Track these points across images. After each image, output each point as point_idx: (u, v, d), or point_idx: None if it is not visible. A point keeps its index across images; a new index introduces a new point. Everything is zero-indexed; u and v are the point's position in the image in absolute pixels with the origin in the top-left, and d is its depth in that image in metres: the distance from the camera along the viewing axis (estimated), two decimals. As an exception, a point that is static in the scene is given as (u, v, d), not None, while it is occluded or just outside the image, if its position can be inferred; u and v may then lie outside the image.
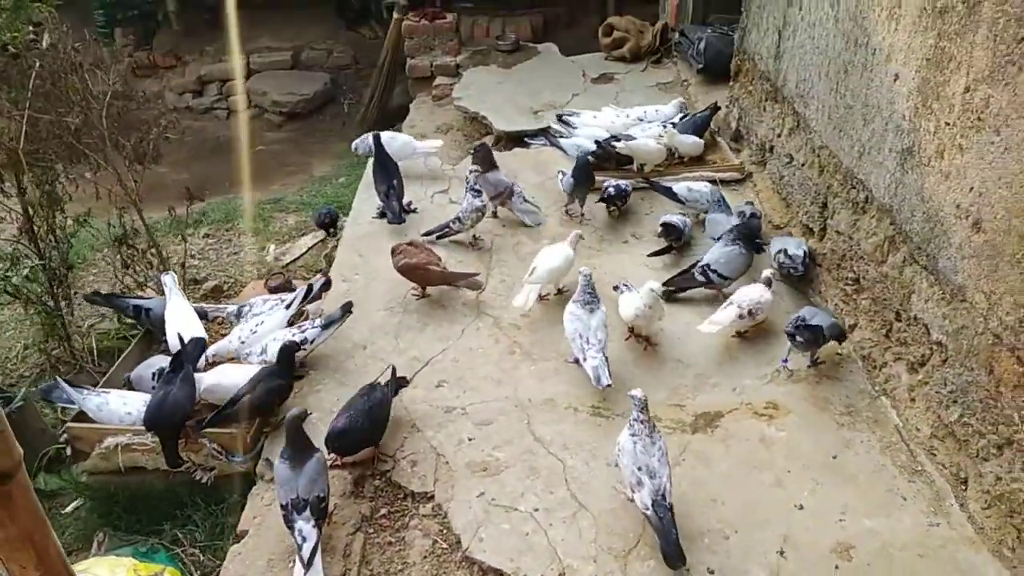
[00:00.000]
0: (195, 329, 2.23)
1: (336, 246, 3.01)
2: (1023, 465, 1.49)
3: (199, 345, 2.05)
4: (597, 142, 3.05)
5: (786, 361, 2.09)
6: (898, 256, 1.92)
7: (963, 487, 1.68)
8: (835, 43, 2.25)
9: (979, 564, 1.56)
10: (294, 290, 2.43)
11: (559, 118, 3.39)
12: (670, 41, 4.53)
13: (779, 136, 2.80)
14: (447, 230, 2.71)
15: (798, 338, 2.00)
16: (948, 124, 1.66)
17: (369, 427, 1.81)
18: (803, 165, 2.55)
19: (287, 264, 3.34)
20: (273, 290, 2.65)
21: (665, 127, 3.16)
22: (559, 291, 2.43)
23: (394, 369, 2.01)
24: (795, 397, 2.00)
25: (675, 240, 2.56)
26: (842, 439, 1.87)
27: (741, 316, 2.12)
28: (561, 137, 3.19)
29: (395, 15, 4.90)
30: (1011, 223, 1.46)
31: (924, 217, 1.78)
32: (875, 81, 2.00)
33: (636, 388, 1.67)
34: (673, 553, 1.53)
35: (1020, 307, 1.45)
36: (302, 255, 3.42)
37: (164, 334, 2.37)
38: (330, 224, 3.33)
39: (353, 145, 3.31)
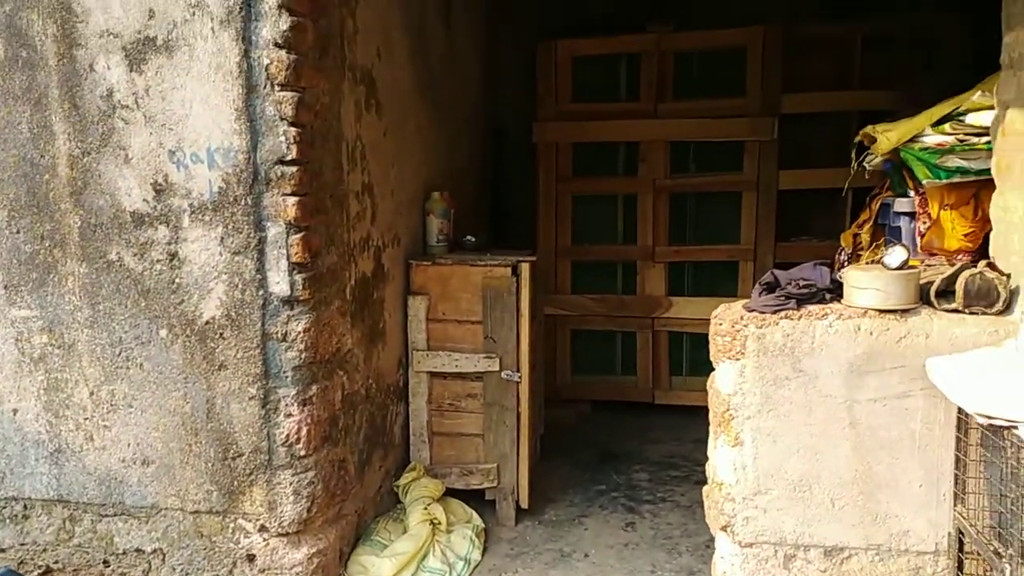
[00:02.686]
0: None
1: None
2: None
3: None
4: None
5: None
6: (85, 523, 2.46)
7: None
8: (-82, 415, 2.53)
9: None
10: None
11: None
12: None
13: None
14: None
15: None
16: (87, 419, 2.39)
17: None
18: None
19: None
20: None
21: None
22: None
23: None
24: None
25: None
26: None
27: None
28: None
29: None
30: (170, 447, 2.35)
31: (97, 483, 2.42)
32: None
33: None
34: None
35: (203, 486, 2.35)
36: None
37: None
38: None
39: None
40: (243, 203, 2.20)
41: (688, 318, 4.18)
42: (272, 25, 2.10)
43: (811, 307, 1.99)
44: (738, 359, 1.97)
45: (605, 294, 4.31)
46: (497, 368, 3.04)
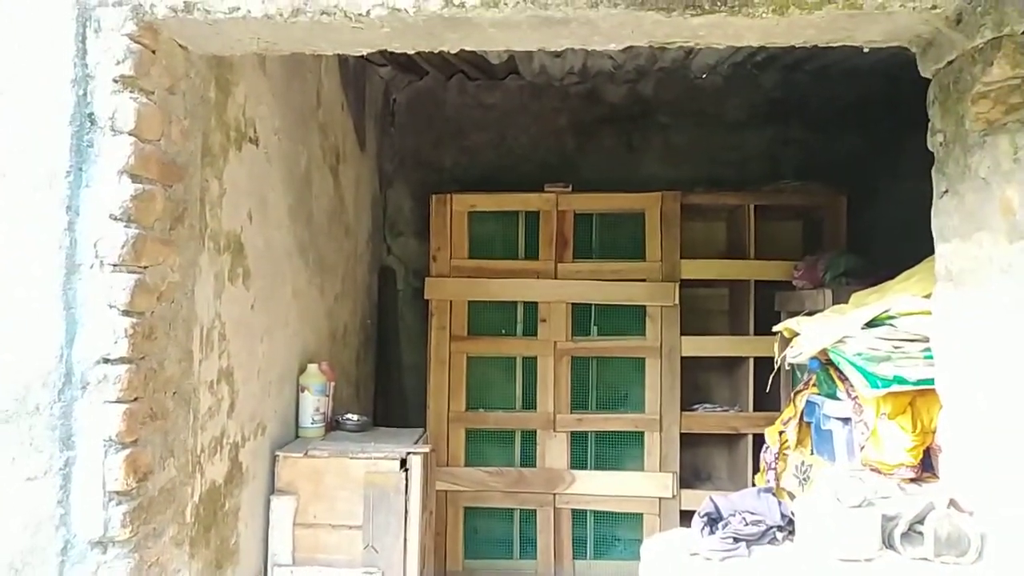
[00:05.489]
0: None
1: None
2: None
3: None
4: None
5: None
6: None
7: None
8: None
9: None
10: None
11: None
12: None
13: None
14: None
15: None
16: None
17: None
18: None
19: None
20: None
21: None
22: None
23: None
24: None
25: None
26: None
27: None
28: None
29: None
30: None
31: None
32: None
33: None
34: None
35: None
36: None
37: None
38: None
39: None
40: (47, 413, 1.66)
41: (592, 494, 3.80)
42: (108, 193, 1.66)
43: (763, 550, 1.66)
44: (683, 622, 1.58)
45: (502, 467, 3.87)
46: (379, 585, 2.50)
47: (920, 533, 1.62)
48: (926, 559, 1.59)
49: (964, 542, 1.57)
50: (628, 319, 3.92)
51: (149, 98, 1.74)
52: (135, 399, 1.71)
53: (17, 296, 1.64)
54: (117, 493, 1.68)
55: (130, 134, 1.69)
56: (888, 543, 1.64)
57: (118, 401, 1.68)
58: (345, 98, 3.55)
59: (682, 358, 3.88)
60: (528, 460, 3.89)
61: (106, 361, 1.67)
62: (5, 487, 1.64)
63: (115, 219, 1.67)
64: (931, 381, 1.87)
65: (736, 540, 1.65)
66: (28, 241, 1.64)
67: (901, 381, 1.94)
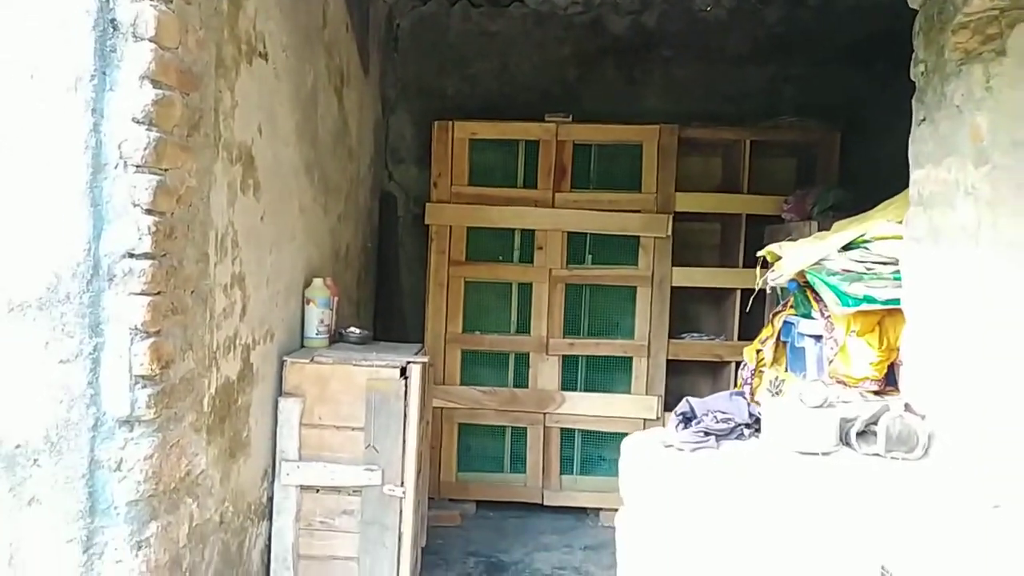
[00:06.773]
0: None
1: None
2: None
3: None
4: None
5: None
6: None
7: None
8: None
9: None
10: None
11: None
12: None
13: None
14: None
15: None
16: None
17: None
18: None
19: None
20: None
21: None
22: None
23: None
24: None
25: None
26: None
27: None
28: None
29: None
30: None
31: None
32: None
33: None
34: None
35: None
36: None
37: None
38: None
39: None
40: (77, 302, 1.80)
41: (581, 414, 4.01)
42: (130, 97, 1.76)
43: (730, 444, 1.83)
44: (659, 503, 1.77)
45: (496, 387, 4.06)
46: (379, 482, 2.70)
47: (874, 433, 1.79)
48: (878, 454, 1.77)
49: (913, 439, 1.75)
50: (622, 249, 4.05)
51: (167, 6, 1.82)
52: (158, 292, 1.85)
53: (48, 192, 1.75)
54: (142, 377, 1.84)
55: (150, 40, 1.77)
56: (845, 441, 1.81)
57: (142, 293, 1.81)
58: (350, 19, 3.58)
59: (672, 288, 4.03)
60: (521, 381, 4.09)
61: (131, 256, 1.80)
62: (40, 368, 1.80)
63: (137, 122, 1.77)
64: (899, 301, 2.01)
65: (707, 434, 1.82)
66: (57, 140, 1.74)
67: (871, 300, 2.08)
